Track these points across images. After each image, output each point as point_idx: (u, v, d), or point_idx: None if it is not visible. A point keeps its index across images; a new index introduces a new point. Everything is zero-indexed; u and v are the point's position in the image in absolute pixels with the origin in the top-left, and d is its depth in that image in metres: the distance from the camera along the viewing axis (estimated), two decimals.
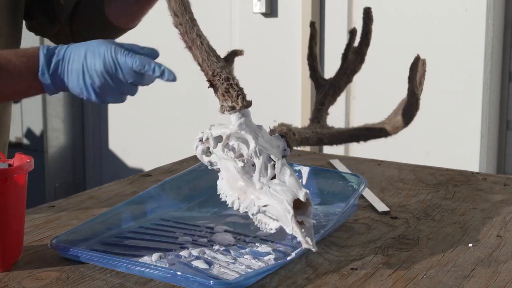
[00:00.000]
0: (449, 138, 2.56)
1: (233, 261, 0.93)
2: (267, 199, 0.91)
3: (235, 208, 0.94)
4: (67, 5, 1.26)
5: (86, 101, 1.01)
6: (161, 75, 1.03)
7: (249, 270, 0.90)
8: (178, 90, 3.24)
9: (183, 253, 0.95)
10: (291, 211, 0.88)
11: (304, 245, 0.88)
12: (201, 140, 1.00)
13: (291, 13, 2.79)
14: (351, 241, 1.02)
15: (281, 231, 1.05)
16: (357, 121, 2.76)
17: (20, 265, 0.92)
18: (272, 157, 0.95)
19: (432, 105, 2.58)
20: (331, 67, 2.89)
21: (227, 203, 0.95)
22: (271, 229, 0.92)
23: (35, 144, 3.34)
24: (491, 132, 2.55)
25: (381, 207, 1.16)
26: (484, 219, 1.11)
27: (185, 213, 1.13)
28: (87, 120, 3.59)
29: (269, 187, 0.92)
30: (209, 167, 1.01)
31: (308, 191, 0.91)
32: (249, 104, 0.99)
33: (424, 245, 1.00)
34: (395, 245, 1.00)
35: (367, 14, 1.21)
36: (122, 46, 1.00)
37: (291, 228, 0.88)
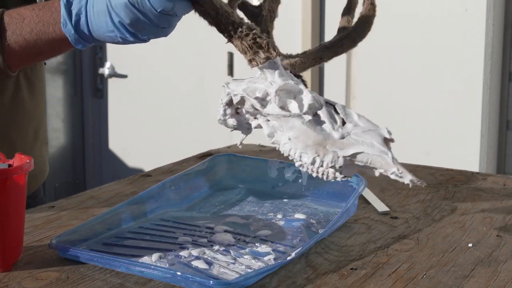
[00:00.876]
0: (449, 138, 2.56)
1: (233, 261, 0.93)
2: (354, 147, 0.82)
3: (316, 165, 0.84)
4: None
5: (128, 43, 0.90)
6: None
7: (249, 270, 0.90)
8: (178, 90, 3.24)
9: (183, 253, 0.95)
10: (389, 152, 0.81)
11: (416, 182, 0.80)
12: (228, 104, 0.89)
13: (291, 13, 2.79)
14: (351, 241, 1.02)
15: (280, 231, 1.05)
16: None
17: (20, 265, 0.92)
18: (329, 101, 0.85)
19: (432, 105, 2.58)
20: (331, 67, 2.90)
21: (304, 163, 0.85)
22: (352, 176, 0.85)
23: None
24: (491, 132, 2.55)
25: (381, 207, 1.16)
26: (484, 219, 1.11)
27: (185, 213, 1.13)
28: (87, 120, 3.60)
29: (349, 134, 0.82)
30: (233, 128, 0.91)
31: (387, 127, 0.84)
32: (279, 51, 0.88)
33: (424, 245, 1.00)
34: (395, 245, 1.00)
35: None
36: None
37: (396, 169, 0.81)
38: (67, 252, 0.93)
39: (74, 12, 0.92)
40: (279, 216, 1.12)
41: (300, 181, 1.21)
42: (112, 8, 0.89)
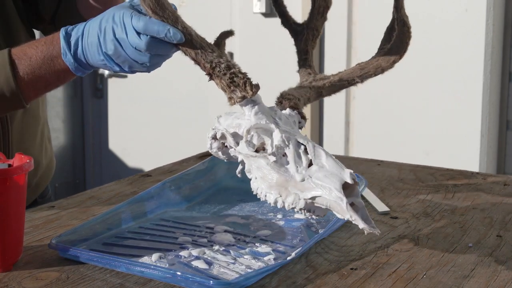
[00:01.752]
0: (449, 138, 2.56)
1: (233, 261, 0.93)
2: (313, 191, 0.83)
3: (279, 206, 0.87)
4: (51, 4, 1.27)
5: (114, 73, 1.00)
6: (166, 36, 0.93)
7: (249, 270, 0.90)
8: (178, 90, 3.24)
9: (183, 253, 0.95)
10: (344, 198, 0.81)
11: (368, 230, 0.81)
12: (214, 138, 0.93)
13: (291, 13, 2.79)
14: (351, 241, 1.02)
15: (280, 231, 1.05)
16: (357, 121, 2.76)
17: (20, 265, 0.92)
18: (301, 141, 0.87)
19: (432, 105, 2.58)
20: (331, 67, 2.89)
21: (268, 202, 0.88)
22: (324, 215, 0.86)
23: None
24: (491, 132, 2.55)
25: (381, 207, 1.16)
26: (484, 219, 1.11)
27: (185, 213, 1.13)
28: (87, 120, 3.60)
29: (311, 177, 0.84)
30: (226, 160, 0.95)
31: (351, 171, 0.84)
32: (257, 88, 0.91)
33: (424, 245, 1.00)
34: (395, 245, 1.00)
35: None
36: (135, 8, 0.96)
37: (349, 216, 0.81)
38: (67, 252, 0.93)
39: (72, 43, 1.00)
40: (279, 216, 1.12)
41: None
42: (103, 39, 0.96)
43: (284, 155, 0.87)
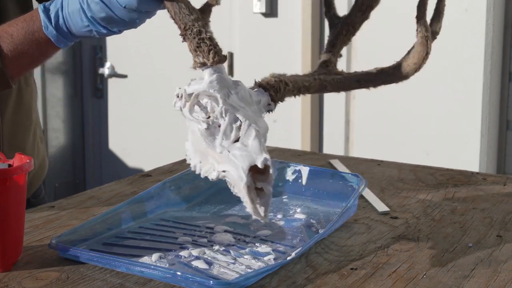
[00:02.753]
0: (449, 138, 2.56)
1: (233, 261, 0.93)
2: (226, 164, 0.86)
3: (197, 172, 0.90)
4: None
5: (103, 35, 0.99)
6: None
7: (249, 270, 0.90)
8: None
9: (183, 253, 0.95)
10: (244, 178, 0.83)
11: (254, 215, 0.85)
12: (178, 96, 0.93)
13: (291, 13, 2.79)
14: (351, 241, 1.02)
15: (280, 231, 1.05)
16: (357, 121, 2.76)
17: (20, 265, 0.92)
18: (240, 117, 0.88)
19: (432, 105, 2.58)
20: None
21: (190, 166, 0.91)
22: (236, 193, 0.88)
23: None
24: (491, 132, 2.55)
25: (381, 207, 1.16)
26: (484, 219, 1.11)
27: (185, 213, 1.13)
28: (87, 120, 3.60)
29: (229, 151, 0.86)
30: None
31: (268, 157, 0.85)
32: (222, 59, 0.92)
33: (424, 245, 1.00)
34: (395, 245, 1.00)
35: None
36: None
37: (242, 197, 0.85)
38: (67, 252, 0.93)
39: (52, 15, 1.02)
40: (279, 216, 1.12)
41: (300, 181, 1.21)
42: (85, 5, 0.98)
43: (219, 126, 0.88)
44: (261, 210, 0.85)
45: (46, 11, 1.03)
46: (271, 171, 0.84)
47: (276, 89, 0.98)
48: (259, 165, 0.83)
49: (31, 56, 1.05)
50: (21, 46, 1.04)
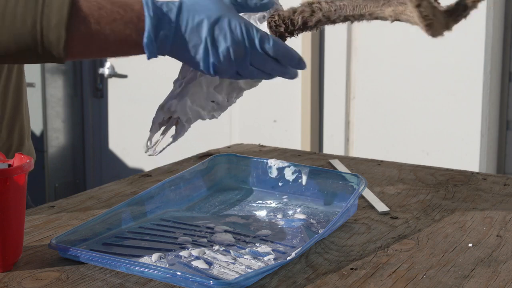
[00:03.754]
0: (449, 138, 2.56)
1: (233, 261, 0.93)
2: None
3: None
4: None
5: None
6: (298, 65, 0.94)
7: (249, 270, 0.90)
8: None
9: (183, 253, 0.95)
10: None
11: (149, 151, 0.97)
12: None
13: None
14: (351, 241, 1.02)
15: (280, 231, 1.05)
16: (357, 121, 2.76)
17: (20, 265, 0.92)
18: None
19: (432, 105, 2.58)
20: (331, 67, 2.89)
21: None
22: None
23: (35, 144, 3.34)
24: (491, 132, 2.55)
25: (381, 207, 1.16)
26: (484, 219, 1.11)
27: (185, 213, 1.13)
28: (87, 120, 3.59)
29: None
30: None
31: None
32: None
33: (424, 245, 1.00)
34: (395, 245, 1.00)
35: None
36: (247, 22, 0.91)
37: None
38: (67, 252, 0.93)
39: (162, 32, 0.89)
40: (279, 216, 1.12)
41: (300, 181, 1.21)
42: (211, 46, 0.90)
43: None
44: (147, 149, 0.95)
45: (157, 18, 0.88)
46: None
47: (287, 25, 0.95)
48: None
49: (107, 44, 0.89)
50: (105, 27, 0.88)
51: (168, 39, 0.90)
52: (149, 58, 0.92)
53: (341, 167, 1.41)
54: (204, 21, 0.90)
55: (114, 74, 3.44)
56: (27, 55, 0.89)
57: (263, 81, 1.00)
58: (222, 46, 0.90)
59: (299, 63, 0.95)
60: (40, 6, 0.87)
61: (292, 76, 0.97)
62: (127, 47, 0.91)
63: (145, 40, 0.89)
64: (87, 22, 0.87)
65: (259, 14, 0.98)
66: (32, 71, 3.25)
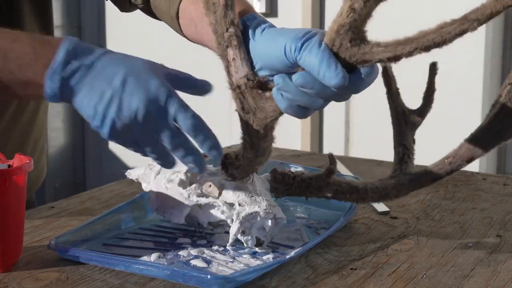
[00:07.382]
0: (449, 138, 2.56)
1: (231, 260, 0.93)
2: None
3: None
4: None
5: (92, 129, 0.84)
6: (208, 151, 0.87)
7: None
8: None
9: (182, 252, 0.96)
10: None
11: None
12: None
13: (291, 13, 2.78)
14: (351, 241, 1.02)
15: (280, 231, 1.05)
16: (357, 121, 2.76)
17: (20, 266, 0.92)
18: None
19: (432, 105, 2.58)
20: None
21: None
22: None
23: None
24: None
25: (381, 207, 1.16)
26: (484, 219, 1.11)
27: None
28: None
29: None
30: None
31: None
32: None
33: (424, 245, 1.00)
34: (395, 245, 1.00)
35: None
36: (170, 88, 0.84)
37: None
38: (67, 252, 0.93)
39: (71, 65, 0.79)
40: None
41: None
42: (119, 101, 0.81)
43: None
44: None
45: (74, 53, 0.79)
46: None
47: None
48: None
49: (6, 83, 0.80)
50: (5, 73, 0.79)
51: (75, 73, 0.80)
52: (47, 98, 0.81)
53: (341, 167, 1.41)
54: (122, 70, 0.82)
55: None
56: None
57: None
58: (133, 105, 0.80)
59: (211, 149, 0.90)
60: None
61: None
62: (30, 90, 0.81)
63: (49, 70, 0.79)
64: None
65: (265, 175, 1.02)
66: None
